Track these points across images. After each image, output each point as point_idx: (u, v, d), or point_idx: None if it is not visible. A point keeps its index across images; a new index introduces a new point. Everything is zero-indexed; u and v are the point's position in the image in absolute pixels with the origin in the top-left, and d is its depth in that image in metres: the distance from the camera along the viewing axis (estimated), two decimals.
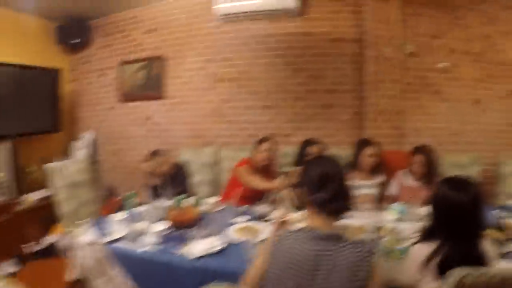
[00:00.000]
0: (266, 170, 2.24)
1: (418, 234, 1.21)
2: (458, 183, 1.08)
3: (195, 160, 2.90)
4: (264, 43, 2.95)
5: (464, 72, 3.07)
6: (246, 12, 2.85)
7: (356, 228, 1.60)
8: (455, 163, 2.74)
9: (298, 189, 1.10)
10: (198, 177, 2.83)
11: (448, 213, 1.06)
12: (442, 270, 0.99)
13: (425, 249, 1.07)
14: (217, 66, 3.03)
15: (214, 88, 3.04)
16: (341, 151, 2.52)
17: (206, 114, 3.08)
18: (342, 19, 2.90)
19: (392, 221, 1.74)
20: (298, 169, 1.19)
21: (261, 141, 2.24)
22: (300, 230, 1.02)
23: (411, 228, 1.56)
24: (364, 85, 2.83)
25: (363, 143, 2.29)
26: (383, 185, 2.29)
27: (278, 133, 2.84)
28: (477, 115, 3.07)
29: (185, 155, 2.90)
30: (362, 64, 2.84)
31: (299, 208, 1.68)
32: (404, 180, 2.25)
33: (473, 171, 2.76)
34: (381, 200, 2.21)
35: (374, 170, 2.27)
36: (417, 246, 1.14)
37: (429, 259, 1.04)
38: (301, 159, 2.25)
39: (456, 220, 1.04)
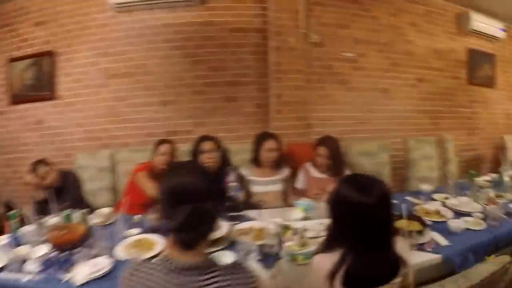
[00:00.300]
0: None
1: (323, 236, 1.07)
2: (360, 183, 0.91)
3: (92, 165, 2.63)
4: (161, 34, 2.75)
5: (370, 61, 3.11)
6: (142, 0, 2.65)
7: (257, 231, 1.48)
8: (364, 151, 2.75)
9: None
10: (96, 184, 2.56)
11: (350, 217, 0.90)
12: (349, 283, 0.86)
13: (328, 260, 0.90)
14: (111, 61, 2.76)
15: (108, 85, 2.77)
16: (244, 146, 2.40)
17: (100, 113, 2.79)
18: (245, 8, 2.80)
19: (298, 219, 1.62)
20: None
21: (159, 143, 2.06)
22: (156, 260, 0.84)
23: (318, 226, 1.48)
24: (268, 76, 2.73)
25: (262, 137, 2.16)
26: (289, 180, 2.19)
27: (178, 130, 2.67)
28: (384, 103, 3.13)
29: (81, 160, 2.62)
30: (266, 55, 2.75)
31: None
32: (310, 173, 2.16)
33: (382, 158, 2.80)
34: (288, 195, 2.12)
35: (277, 164, 2.15)
36: (318, 256, 0.97)
37: (333, 271, 0.87)
38: (195, 157, 2.07)
39: (360, 225, 0.88)
